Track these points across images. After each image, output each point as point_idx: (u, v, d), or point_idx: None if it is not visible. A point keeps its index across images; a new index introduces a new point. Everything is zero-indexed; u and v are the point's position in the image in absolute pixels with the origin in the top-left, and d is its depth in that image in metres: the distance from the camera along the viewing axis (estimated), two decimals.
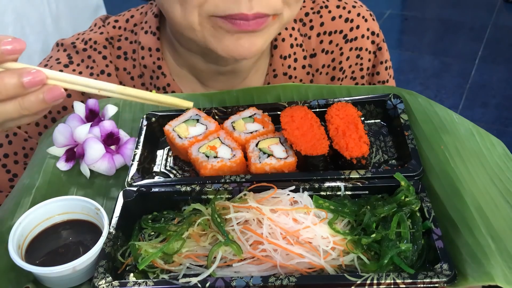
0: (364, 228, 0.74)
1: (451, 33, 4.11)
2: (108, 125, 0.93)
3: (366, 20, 1.15)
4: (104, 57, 1.09)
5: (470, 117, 0.99)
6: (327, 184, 0.80)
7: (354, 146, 0.83)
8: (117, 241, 0.76)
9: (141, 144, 0.91)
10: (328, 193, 0.80)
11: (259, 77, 1.13)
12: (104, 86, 0.70)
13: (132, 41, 1.10)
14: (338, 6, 1.15)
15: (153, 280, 0.70)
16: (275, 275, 0.69)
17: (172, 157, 0.94)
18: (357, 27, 1.15)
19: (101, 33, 1.11)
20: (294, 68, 1.13)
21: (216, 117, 0.96)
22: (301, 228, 0.73)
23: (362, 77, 1.19)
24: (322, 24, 1.14)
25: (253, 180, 0.81)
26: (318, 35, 1.14)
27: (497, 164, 0.86)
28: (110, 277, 0.70)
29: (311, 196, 0.79)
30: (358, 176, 0.81)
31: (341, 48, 1.15)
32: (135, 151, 0.90)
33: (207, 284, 0.68)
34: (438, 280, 0.67)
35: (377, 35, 1.17)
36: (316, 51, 1.15)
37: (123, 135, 0.95)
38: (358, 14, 1.15)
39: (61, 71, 1.06)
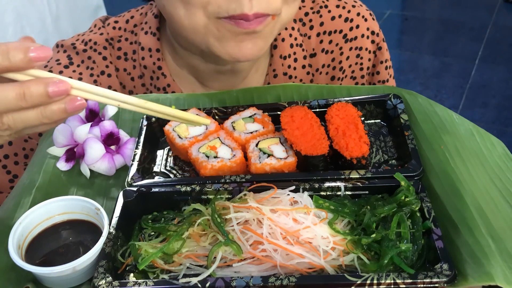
0: (364, 228, 0.74)
1: (451, 33, 4.11)
2: (108, 125, 0.93)
3: (366, 20, 1.15)
4: (104, 58, 1.09)
5: (470, 117, 0.99)
6: (327, 184, 0.80)
7: (354, 146, 0.83)
8: (117, 241, 0.76)
9: (141, 144, 0.91)
10: (328, 193, 0.80)
11: (259, 77, 1.13)
12: (125, 98, 0.69)
13: (132, 41, 1.10)
14: (337, 6, 1.15)
15: (153, 280, 0.70)
16: (275, 275, 0.69)
17: (172, 157, 0.94)
18: (357, 26, 1.15)
19: (101, 34, 1.11)
20: (294, 68, 1.13)
21: (216, 117, 0.96)
22: (301, 228, 0.73)
23: (362, 76, 1.19)
24: (322, 24, 1.14)
25: (253, 180, 0.81)
26: (318, 35, 1.14)
27: (497, 164, 0.86)
28: (110, 277, 0.70)
29: (311, 196, 0.79)
30: (358, 176, 0.81)
31: (341, 48, 1.15)
32: (135, 151, 0.90)
33: (207, 284, 0.68)
34: (438, 280, 0.67)
35: (377, 35, 1.17)
36: (316, 51, 1.15)
37: (123, 135, 0.95)
38: (358, 14, 1.15)
39: (61, 72, 1.06)
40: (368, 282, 0.67)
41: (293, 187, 0.80)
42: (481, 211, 0.76)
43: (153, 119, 0.96)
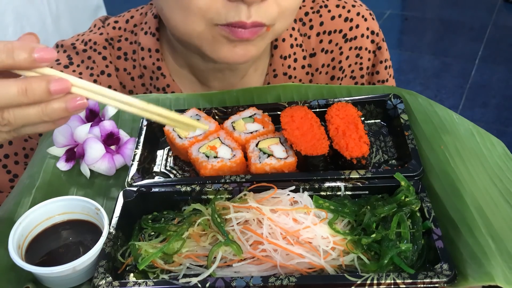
0: (364, 228, 0.74)
1: (451, 33, 4.11)
2: (108, 125, 0.93)
3: (365, 20, 1.15)
4: (104, 58, 1.09)
5: (470, 117, 0.99)
6: (327, 184, 0.80)
7: (354, 146, 0.83)
8: (117, 241, 0.76)
9: (141, 144, 0.91)
10: (328, 193, 0.80)
11: (259, 77, 1.13)
12: (125, 99, 0.70)
13: (132, 41, 1.10)
14: (337, 6, 1.15)
15: (153, 280, 0.70)
16: (275, 275, 0.69)
17: (172, 157, 0.94)
18: (357, 26, 1.15)
19: (101, 33, 1.11)
20: (294, 68, 1.13)
21: (216, 117, 0.96)
22: (301, 228, 0.73)
23: (362, 76, 1.19)
24: (321, 24, 1.14)
25: (253, 180, 0.81)
26: (318, 34, 1.14)
27: (497, 164, 0.86)
28: (110, 277, 0.70)
29: (311, 196, 0.79)
30: (358, 176, 0.81)
31: (340, 48, 1.15)
32: (135, 151, 0.90)
33: (207, 284, 0.68)
34: (438, 280, 0.67)
35: (377, 35, 1.17)
36: (316, 51, 1.15)
37: (123, 135, 0.95)
38: (358, 14, 1.15)
39: (61, 71, 1.06)
40: (368, 282, 0.67)
41: (293, 187, 0.80)
42: (481, 211, 0.76)
43: None
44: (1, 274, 0.76)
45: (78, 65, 1.08)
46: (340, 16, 1.14)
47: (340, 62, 1.16)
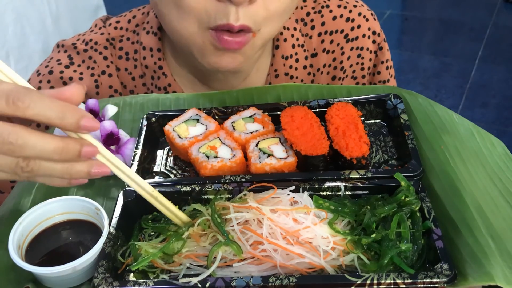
0: (364, 228, 0.74)
1: (451, 33, 4.11)
2: (108, 125, 0.93)
3: (367, 20, 1.15)
4: (105, 58, 1.09)
5: (470, 117, 0.99)
6: (327, 184, 0.80)
7: (354, 146, 0.83)
8: (117, 241, 0.76)
9: (141, 144, 0.91)
10: (328, 193, 0.80)
11: (260, 77, 1.13)
12: (140, 182, 0.76)
13: (133, 41, 1.10)
14: (339, 6, 1.15)
15: (153, 280, 0.70)
16: (275, 275, 0.69)
17: (172, 157, 0.94)
18: (358, 26, 1.15)
19: (102, 33, 1.11)
20: (296, 69, 1.13)
21: (216, 117, 0.96)
22: (301, 228, 0.73)
23: (363, 76, 1.19)
24: (323, 24, 1.14)
25: (253, 180, 0.81)
26: (319, 34, 1.14)
27: (497, 164, 0.86)
28: (110, 277, 0.70)
29: (311, 196, 0.79)
30: (358, 176, 0.81)
31: (342, 48, 1.15)
32: (135, 151, 0.90)
33: (207, 284, 0.69)
34: (438, 280, 0.67)
35: (378, 35, 1.17)
36: (317, 51, 1.15)
37: (123, 135, 0.95)
38: (359, 14, 1.15)
39: (61, 71, 1.07)
40: (368, 282, 0.67)
41: (293, 187, 0.80)
42: (481, 211, 0.76)
43: (153, 119, 0.96)
44: (1, 274, 0.76)
45: (79, 65, 1.08)
46: (341, 16, 1.14)
47: (341, 62, 1.16)
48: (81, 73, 1.07)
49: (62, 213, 0.80)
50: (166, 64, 1.08)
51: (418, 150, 0.85)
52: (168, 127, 0.92)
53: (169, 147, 0.95)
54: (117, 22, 1.13)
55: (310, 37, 1.14)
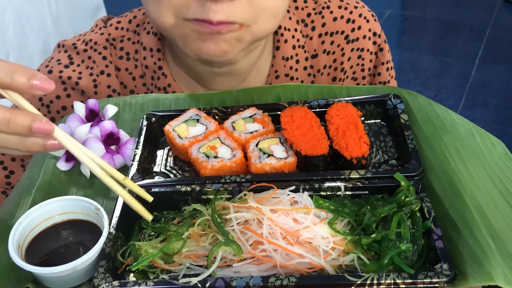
0: (364, 228, 0.74)
1: (451, 33, 4.11)
2: (108, 125, 0.93)
3: (367, 21, 1.15)
4: (104, 58, 1.09)
5: (470, 117, 0.99)
6: (327, 184, 0.80)
7: (354, 146, 0.83)
8: (117, 241, 0.76)
9: (141, 144, 0.91)
10: (328, 193, 0.80)
11: (260, 78, 1.13)
12: (100, 162, 0.74)
13: (134, 41, 1.10)
14: (340, 7, 1.15)
15: (153, 280, 0.70)
16: (275, 275, 0.69)
17: (172, 157, 0.94)
18: (359, 27, 1.14)
19: (102, 33, 1.11)
20: (296, 69, 1.13)
21: (216, 117, 0.96)
22: (301, 228, 0.73)
23: (364, 77, 1.19)
24: (323, 25, 1.14)
25: (253, 180, 0.81)
26: (320, 35, 1.14)
27: (497, 164, 0.86)
28: (110, 277, 0.70)
29: (311, 196, 0.79)
30: (358, 176, 0.81)
31: (342, 49, 1.15)
32: (135, 151, 0.90)
33: (207, 284, 0.69)
34: (438, 280, 0.67)
35: (379, 36, 1.17)
36: (318, 52, 1.15)
37: (123, 135, 0.95)
38: (360, 15, 1.15)
39: (61, 71, 1.07)
40: (368, 282, 0.67)
41: (293, 187, 0.80)
42: (481, 211, 0.76)
43: (153, 119, 0.96)
44: (1, 274, 0.76)
45: (78, 65, 1.08)
46: (342, 17, 1.14)
47: (342, 63, 1.16)
48: (80, 73, 1.07)
49: (62, 213, 0.80)
50: (166, 65, 1.08)
51: (418, 150, 0.85)
52: (168, 127, 0.92)
53: (169, 147, 0.95)
54: (118, 22, 1.13)
55: (311, 38, 1.14)
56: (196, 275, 0.70)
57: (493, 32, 4.05)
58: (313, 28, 1.14)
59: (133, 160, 0.88)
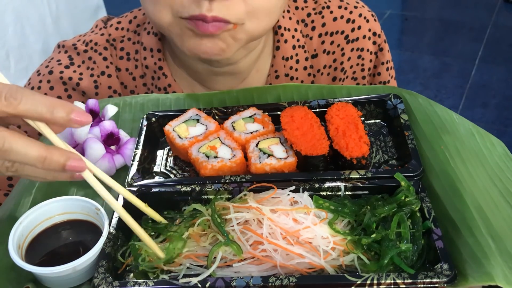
0: (364, 228, 0.74)
1: (451, 33, 4.11)
2: (108, 125, 0.93)
3: (367, 21, 1.15)
4: (105, 59, 1.09)
5: (470, 117, 0.99)
6: (327, 184, 0.80)
7: (354, 146, 0.83)
8: (117, 241, 0.76)
9: (141, 144, 0.91)
10: (328, 193, 0.80)
11: (260, 78, 1.13)
12: (110, 200, 0.75)
13: (135, 41, 1.10)
14: (340, 7, 1.15)
15: (153, 280, 0.70)
16: (275, 275, 0.69)
17: (172, 157, 0.94)
18: (359, 27, 1.14)
19: (102, 34, 1.11)
20: (296, 69, 1.13)
21: (216, 117, 0.96)
22: (301, 228, 0.73)
23: (363, 77, 1.19)
24: (323, 25, 1.14)
25: (253, 180, 0.81)
26: (320, 35, 1.14)
27: (497, 164, 0.86)
28: (110, 277, 0.70)
29: (311, 196, 0.79)
30: (358, 176, 0.81)
31: (342, 49, 1.15)
32: (135, 151, 0.90)
33: (207, 284, 0.69)
34: (438, 280, 0.67)
35: (379, 36, 1.17)
36: (318, 52, 1.15)
37: (123, 135, 0.95)
38: (360, 15, 1.15)
39: (61, 72, 1.07)
40: (368, 282, 0.67)
41: (293, 187, 0.80)
42: (481, 211, 0.76)
43: (153, 119, 0.96)
44: (1, 274, 0.76)
45: (78, 66, 1.08)
46: (342, 17, 1.14)
47: (341, 63, 1.16)
48: (80, 74, 1.07)
49: (62, 213, 0.80)
50: (166, 65, 1.08)
51: (418, 150, 0.85)
52: (168, 127, 0.92)
53: (169, 147, 0.95)
54: (118, 22, 1.13)
55: (311, 38, 1.14)
56: (196, 275, 0.70)
57: (493, 32, 4.05)
58: (313, 28, 1.14)
59: (133, 160, 0.88)
